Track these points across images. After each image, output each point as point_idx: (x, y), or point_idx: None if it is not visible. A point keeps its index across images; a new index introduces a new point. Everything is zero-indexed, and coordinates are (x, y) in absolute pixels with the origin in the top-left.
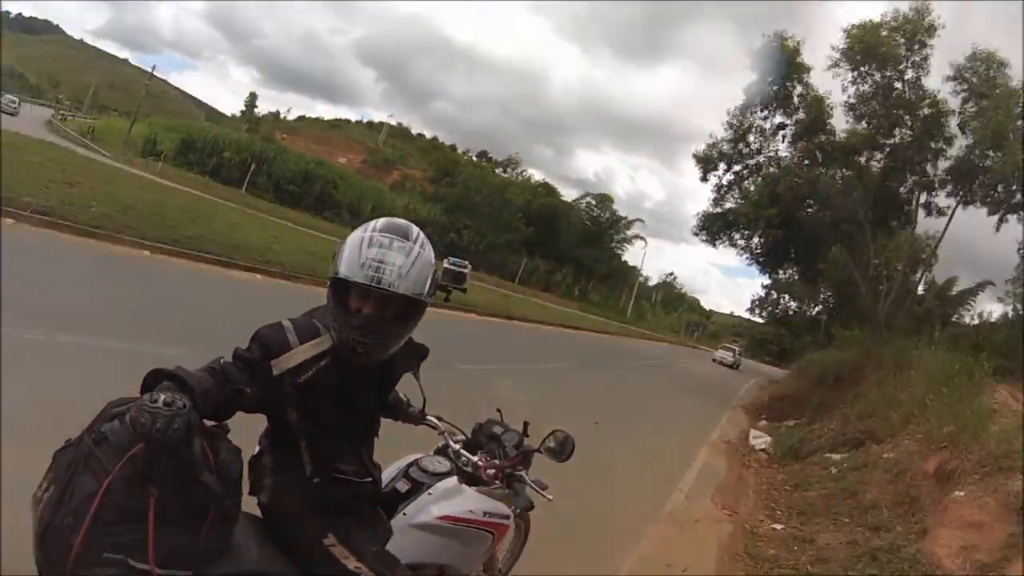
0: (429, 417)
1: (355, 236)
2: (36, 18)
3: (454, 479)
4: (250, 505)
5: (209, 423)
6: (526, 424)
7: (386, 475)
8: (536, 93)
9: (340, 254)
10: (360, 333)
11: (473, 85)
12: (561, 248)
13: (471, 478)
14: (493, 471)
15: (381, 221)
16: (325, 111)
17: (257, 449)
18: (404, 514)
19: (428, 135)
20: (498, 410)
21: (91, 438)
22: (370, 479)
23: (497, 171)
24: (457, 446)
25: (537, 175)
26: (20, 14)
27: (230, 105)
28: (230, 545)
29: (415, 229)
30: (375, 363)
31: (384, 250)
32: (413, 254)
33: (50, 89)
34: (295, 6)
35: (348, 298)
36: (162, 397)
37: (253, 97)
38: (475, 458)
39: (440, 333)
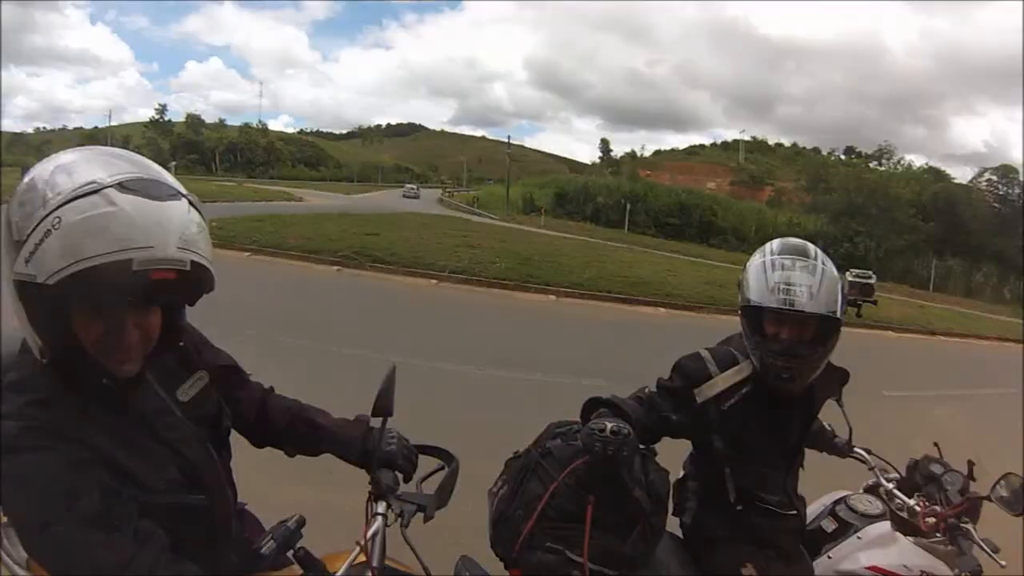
0: (857, 450)
1: (756, 262)
2: (402, 123)
3: (887, 524)
4: (672, 525)
5: (640, 446)
6: (971, 464)
7: (811, 510)
8: (878, 68)
9: (745, 282)
10: (783, 359)
11: (809, 79)
12: (972, 242)
13: (906, 525)
14: (933, 520)
15: (776, 243)
16: (676, 141)
17: (682, 473)
18: (829, 556)
19: (786, 143)
20: (935, 444)
21: (538, 451)
22: (794, 512)
23: (871, 165)
24: (890, 485)
25: (917, 160)
26: (388, 124)
27: (586, 154)
28: (652, 558)
29: (812, 246)
30: (798, 390)
31: (789, 272)
32: (818, 272)
33: (432, 174)
34: (604, 54)
35: (763, 324)
36: (608, 425)
37: (606, 143)
38: (911, 502)
39: (857, 355)
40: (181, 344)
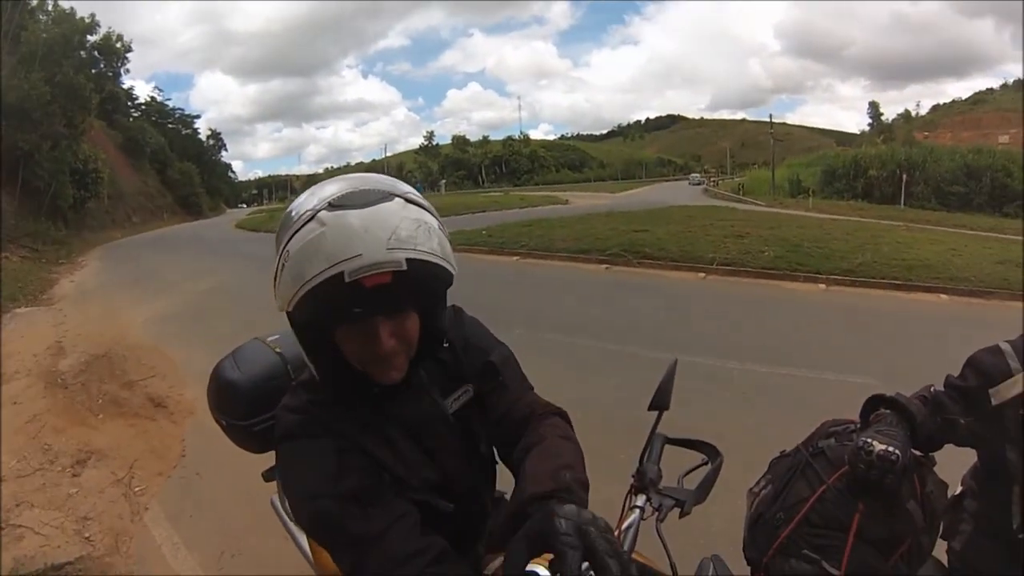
0: None
1: None
2: (661, 116)
3: None
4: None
5: (918, 453)
6: None
7: None
8: None
9: None
10: None
11: None
12: None
13: None
14: None
15: None
16: (957, 90)
17: (959, 490)
18: None
19: None
20: None
21: (808, 451)
22: None
23: None
24: None
25: None
26: (647, 118)
27: (853, 123)
28: None
29: None
30: None
31: None
32: None
33: (695, 164)
34: (860, 2)
35: None
36: (877, 448)
37: (875, 106)
38: None
39: None
40: (446, 344)
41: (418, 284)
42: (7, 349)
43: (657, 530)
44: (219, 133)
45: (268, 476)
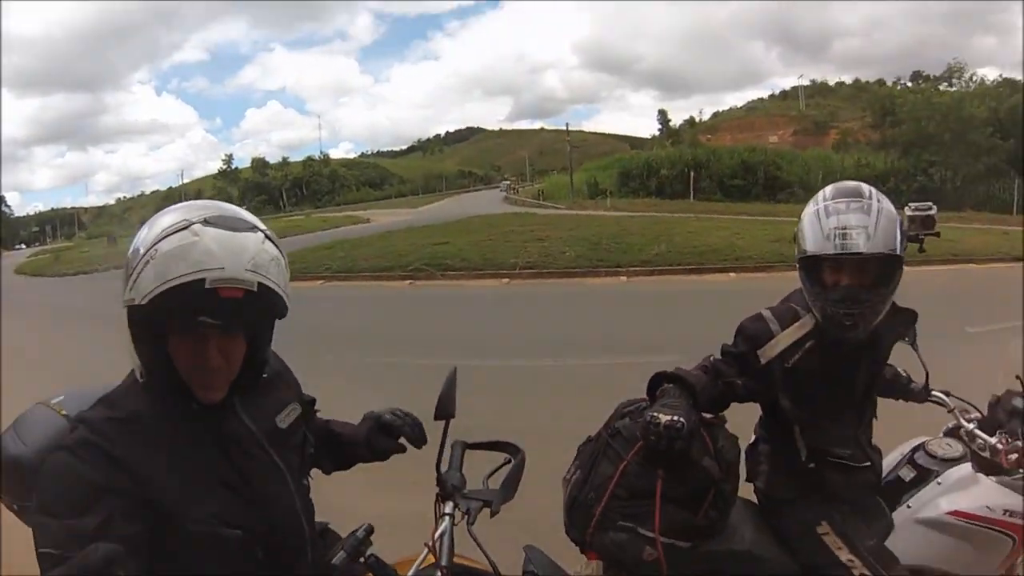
0: (935, 393)
1: (809, 211)
2: (460, 129)
3: (967, 466)
4: (747, 491)
5: (708, 415)
6: None
7: (888, 461)
8: None
9: (801, 233)
10: (844, 306)
11: (865, 6)
12: None
13: (988, 465)
14: (1016, 456)
15: (829, 189)
16: (734, 99)
17: (753, 438)
18: (908, 506)
19: (848, 80)
20: (1017, 377)
21: (607, 433)
22: (868, 464)
23: (941, 88)
24: (971, 426)
25: (991, 74)
26: (447, 132)
27: (645, 129)
28: (726, 525)
29: (865, 186)
30: (863, 336)
31: (843, 216)
32: (873, 211)
33: (495, 173)
34: (651, 21)
35: (822, 274)
36: (663, 420)
37: (663, 114)
38: (993, 440)
39: (937, 293)
40: (264, 376)
41: (261, 308)
42: None
43: (469, 532)
44: None
45: None
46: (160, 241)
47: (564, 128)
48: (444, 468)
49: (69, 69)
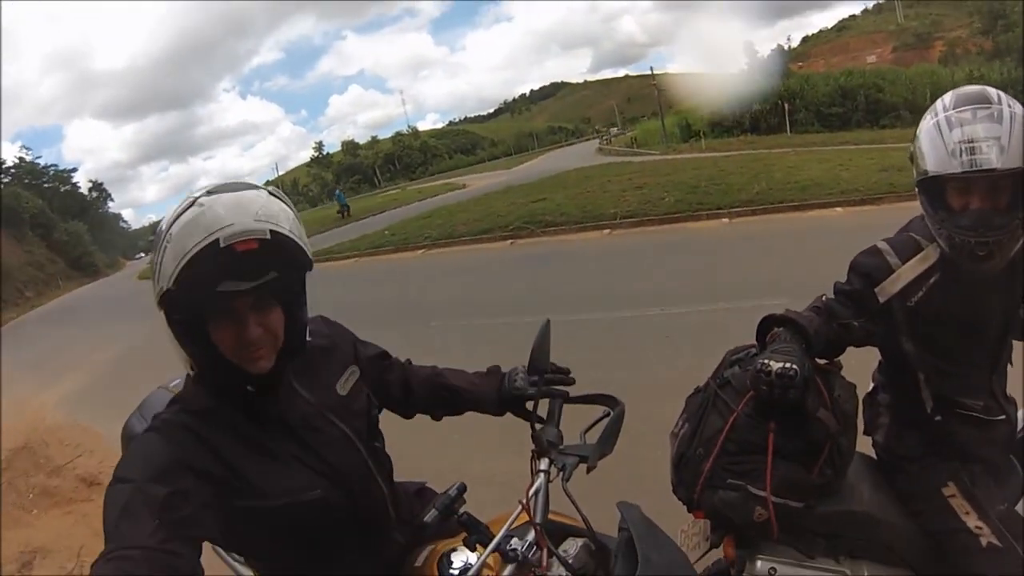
0: None
1: (927, 124)
2: (545, 86)
3: None
4: (865, 445)
5: (822, 361)
6: None
7: None
8: None
9: (919, 151)
10: (975, 232)
11: None
12: None
13: None
14: None
15: (948, 97)
16: (823, 20)
17: (871, 386)
18: None
19: None
20: None
21: (715, 383)
22: (1002, 416)
23: None
24: None
25: None
26: (532, 90)
27: (733, 64)
28: (842, 484)
29: (992, 90)
30: (997, 268)
31: (969, 126)
32: (1006, 117)
33: (586, 127)
34: None
35: (947, 197)
36: (775, 367)
37: (749, 45)
38: None
39: None
40: (319, 344)
41: (281, 260)
42: None
43: (564, 489)
44: (101, 183)
45: None
46: (172, 225)
47: (649, 72)
48: (539, 423)
49: (158, 92)
